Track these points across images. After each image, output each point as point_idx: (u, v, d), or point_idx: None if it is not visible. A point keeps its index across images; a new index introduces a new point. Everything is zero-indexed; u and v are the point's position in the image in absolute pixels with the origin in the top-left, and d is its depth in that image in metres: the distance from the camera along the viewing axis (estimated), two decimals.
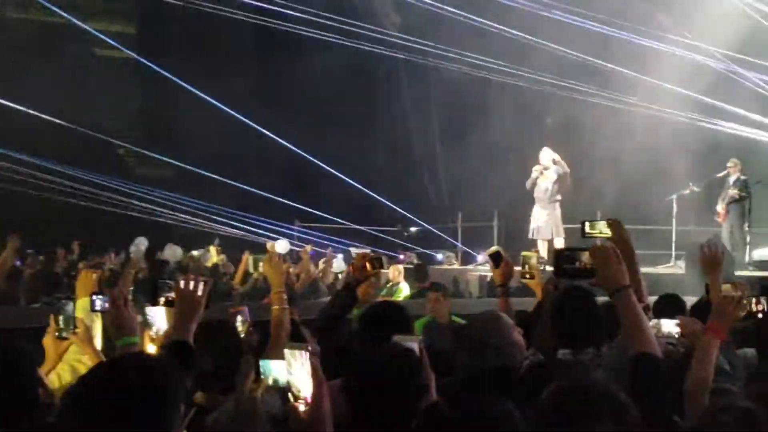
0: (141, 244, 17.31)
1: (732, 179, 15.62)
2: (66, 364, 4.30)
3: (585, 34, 17.80)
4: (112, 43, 22.49)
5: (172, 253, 17.11)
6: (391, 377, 2.66)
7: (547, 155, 15.25)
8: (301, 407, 2.45)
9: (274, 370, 3.43)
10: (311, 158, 20.23)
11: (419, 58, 20.29)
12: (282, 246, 16.29)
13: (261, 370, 3.42)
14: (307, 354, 2.47)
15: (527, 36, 17.84)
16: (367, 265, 5.19)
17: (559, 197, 15.29)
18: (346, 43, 19.59)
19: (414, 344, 3.01)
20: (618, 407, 2.34)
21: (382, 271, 12.19)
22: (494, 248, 5.65)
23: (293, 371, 2.50)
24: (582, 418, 2.31)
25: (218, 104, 19.98)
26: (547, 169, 15.18)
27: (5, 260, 10.47)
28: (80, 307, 4.66)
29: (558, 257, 3.72)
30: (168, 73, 20.27)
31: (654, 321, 4.46)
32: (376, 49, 20.12)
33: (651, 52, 17.82)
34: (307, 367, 2.46)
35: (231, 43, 23.29)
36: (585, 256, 3.49)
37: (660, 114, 17.51)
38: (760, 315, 5.03)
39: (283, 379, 3.40)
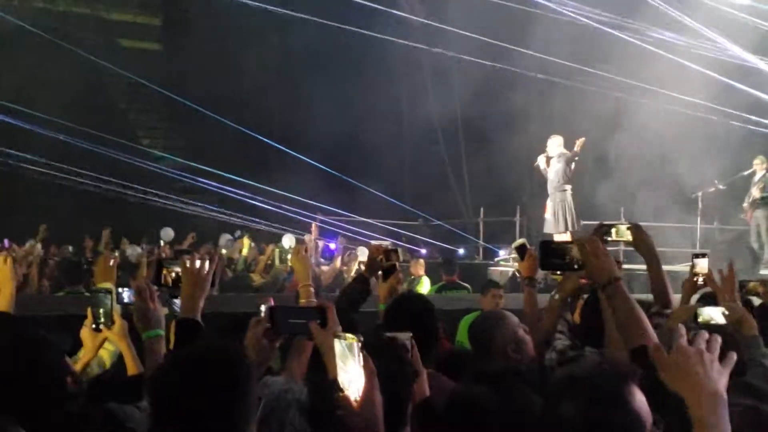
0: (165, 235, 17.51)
1: (758, 177, 15.49)
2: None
3: (615, 26, 17.70)
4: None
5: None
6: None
7: (554, 144, 14.80)
8: (352, 397, 2.45)
9: None
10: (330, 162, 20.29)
11: (444, 51, 20.21)
12: (288, 240, 16.40)
13: None
14: (359, 344, 2.47)
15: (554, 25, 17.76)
16: (383, 257, 5.18)
17: (567, 186, 14.77)
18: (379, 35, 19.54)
19: (406, 340, 3.01)
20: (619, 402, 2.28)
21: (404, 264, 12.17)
22: (520, 241, 5.59)
23: (343, 361, 2.49)
24: (576, 405, 2.26)
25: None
26: (552, 157, 14.74)
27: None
28: None
29: (544, 250, 3.64)
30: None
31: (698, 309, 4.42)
32: (400, 43, 20.08)
33: (678, 47, 17.66)
34: (358, 358, 2.46)
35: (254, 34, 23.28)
36: (574, 250, 3.43)
37: (688, 110, 17.35)
38: None
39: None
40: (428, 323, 4.26)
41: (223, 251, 16.36)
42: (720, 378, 2.22)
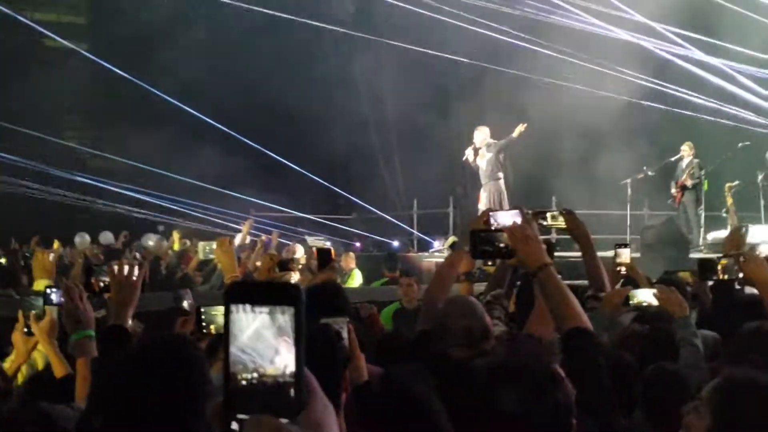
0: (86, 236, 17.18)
1: (685, 162, 15.77)
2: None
3: (529, 18, 17.89)
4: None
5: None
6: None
7: (479, 135, 14.85)
8: None
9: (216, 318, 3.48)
10: (264, 149, 20.15)
11: (372, 37, 20.20)
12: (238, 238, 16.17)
13: (203, 319, 3.51)
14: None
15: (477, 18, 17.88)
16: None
17: (500, 174, 14.74)
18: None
19: (343, 325, 3.01)
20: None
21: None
22: (452, 238, 5.65)
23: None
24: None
25: (167, 97, 19.84)
26: (480, 148, 14.74)
27: None
28: (39, 286, 4.60)
29: (474, 239, 3.64)
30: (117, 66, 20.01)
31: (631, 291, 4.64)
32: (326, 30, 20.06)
33: (598, 36, 17.89)
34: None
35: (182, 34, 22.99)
36: (504, 237, 3.45)
37: (613, 97, 17.60)
38: None
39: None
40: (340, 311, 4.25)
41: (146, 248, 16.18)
42: None
